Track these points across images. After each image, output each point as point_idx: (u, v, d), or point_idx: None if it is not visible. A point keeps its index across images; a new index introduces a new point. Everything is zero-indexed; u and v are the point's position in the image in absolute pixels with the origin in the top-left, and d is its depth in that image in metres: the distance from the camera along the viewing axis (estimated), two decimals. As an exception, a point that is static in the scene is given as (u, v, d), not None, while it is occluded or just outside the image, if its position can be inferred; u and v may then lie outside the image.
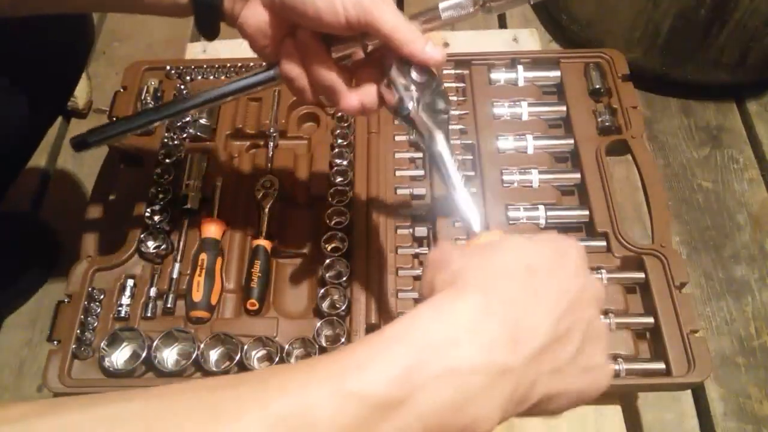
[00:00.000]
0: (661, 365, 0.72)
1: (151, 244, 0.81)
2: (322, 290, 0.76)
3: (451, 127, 0.83)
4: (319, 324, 0.74)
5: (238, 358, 0.72)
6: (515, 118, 0.91)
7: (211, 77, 0.97)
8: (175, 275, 0.79)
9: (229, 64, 0.98)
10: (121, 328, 0.73)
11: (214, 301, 0.77)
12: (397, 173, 0.87)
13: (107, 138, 0.66)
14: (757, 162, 1.29)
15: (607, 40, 1.35)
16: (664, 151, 1.31)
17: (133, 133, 0.68)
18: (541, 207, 0.82)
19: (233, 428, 0.31)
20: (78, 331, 0.74)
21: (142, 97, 0.94)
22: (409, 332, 0.35)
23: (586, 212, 0.83)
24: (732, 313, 1.11)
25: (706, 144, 1.32)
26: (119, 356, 0.73)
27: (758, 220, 1.22)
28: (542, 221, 0.82)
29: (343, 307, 0.75)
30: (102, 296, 0.78)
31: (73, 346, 0.72)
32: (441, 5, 0.52)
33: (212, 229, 0.81)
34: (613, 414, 0.78)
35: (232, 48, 1.08)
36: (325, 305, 0.76)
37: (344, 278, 0.77)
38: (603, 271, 0.78)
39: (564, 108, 0.92)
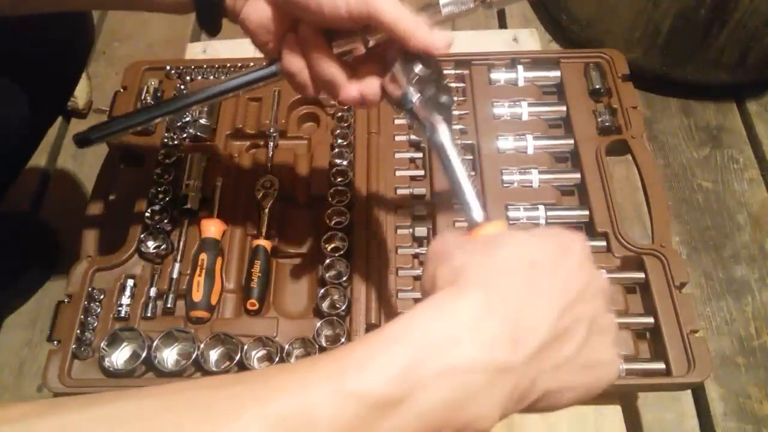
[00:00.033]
0: (661, 365, 0.72)
1: (151, 244, 0.81)
2: (322, 290, 0.76)
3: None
4: (319, 324, 0.74)
5: (238, 358, 0.72)
6: (515, 118, 0.91)
7: (211, 77, 0.97)
8: (175, 275, 0.79)
9: (229, 64, 0.98)
10: (121, 328, 0.73)
11: (214, 301, 0.77)
12: (397, 173, 0.87)
13: (110, 134, 0.66)
14: (757, 162, 1.29)
15: (607, 40, 1.35)
16: (664, 151, 1.31)
17: (135, 129, 0.69)
18: (541, 207, 0.82)
19: (233, 427, 0.31)
20: (78, 331, 0.74)
21: (142, 97, 0.94)
22: (409, 331, 0.35)
23: (586, 212, 0.83)
24: (732, 313, 1.11)
25: (706, 144, 1.32)
26: (119, 356, 0.73)
27: (758, 220, 1.22)
28: (542, 221, 0.82)
29: (343, 307, 0.75)
30: (102, 296, 0.77)
31: (73, 346, 0.72)
32: (442, 0, 0.52)
33: (212, 229, 0.81)
34: (613, 414, 0.78)
35: (232, 48, 1.09)
36: (325, 305, 0.76)
37: (344, 278, 0.77)
38: (603, 271, 0.78)
39: (564, 108, 0.92)
